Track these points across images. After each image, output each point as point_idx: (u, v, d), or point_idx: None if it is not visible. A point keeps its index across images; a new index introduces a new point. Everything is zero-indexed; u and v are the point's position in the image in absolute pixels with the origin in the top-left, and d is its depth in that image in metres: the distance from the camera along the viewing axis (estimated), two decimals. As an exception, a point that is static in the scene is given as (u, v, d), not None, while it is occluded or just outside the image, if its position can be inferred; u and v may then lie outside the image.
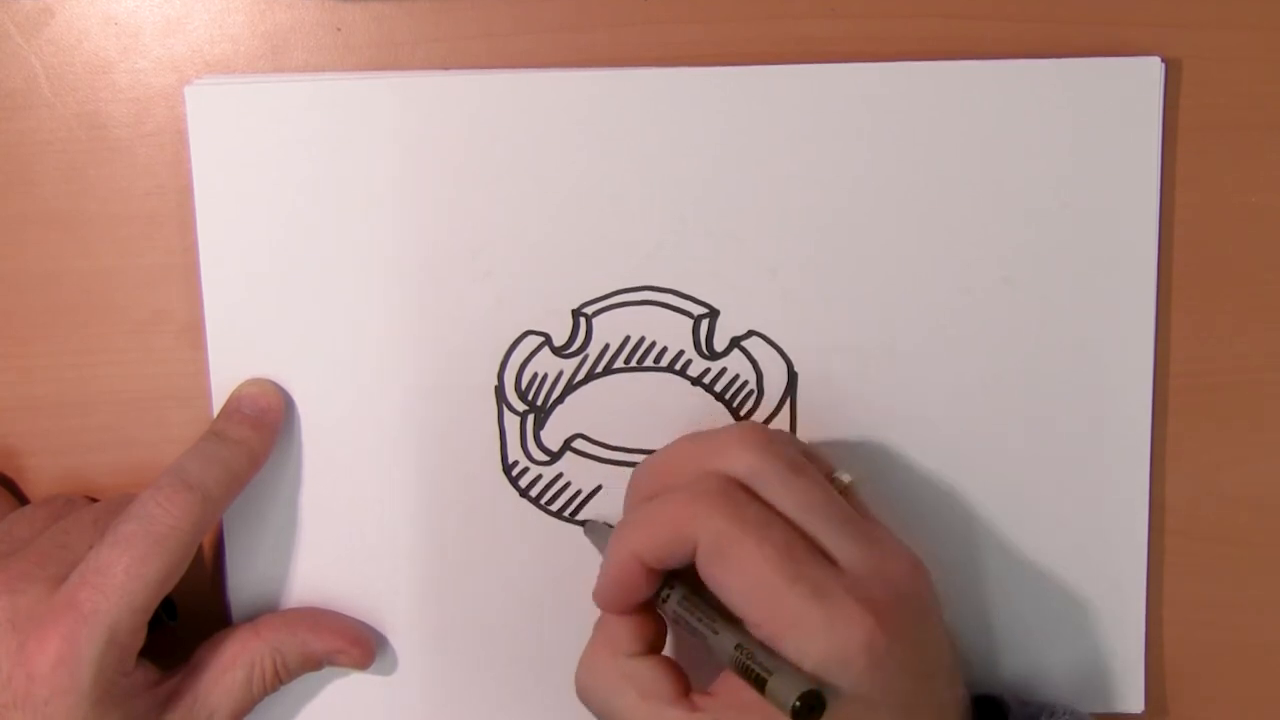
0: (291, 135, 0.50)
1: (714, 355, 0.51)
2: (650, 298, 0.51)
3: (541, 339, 0.51)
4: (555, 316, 0.51)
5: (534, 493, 0.52)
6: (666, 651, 0.48)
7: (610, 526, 0.50)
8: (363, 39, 0.51)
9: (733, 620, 0.45)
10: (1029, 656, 0.53)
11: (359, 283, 0.51)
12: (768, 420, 0.52)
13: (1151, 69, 0.50)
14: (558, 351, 0.51)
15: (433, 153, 0.50)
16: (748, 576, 0.43)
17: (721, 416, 0.52)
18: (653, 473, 0.48)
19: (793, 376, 0.52)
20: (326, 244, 0.50)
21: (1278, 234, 0.53)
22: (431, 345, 0.51)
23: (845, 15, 0.51)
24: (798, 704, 0.41)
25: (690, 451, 0.47)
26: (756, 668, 0.43)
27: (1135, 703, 0.53)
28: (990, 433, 0.52)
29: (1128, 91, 0.50)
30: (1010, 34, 0.51)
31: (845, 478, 0.48)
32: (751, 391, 0.52)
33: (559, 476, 0.52)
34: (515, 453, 0.52)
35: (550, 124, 0.50)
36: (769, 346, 0.51)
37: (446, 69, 0.51)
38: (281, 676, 0.50)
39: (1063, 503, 0.52)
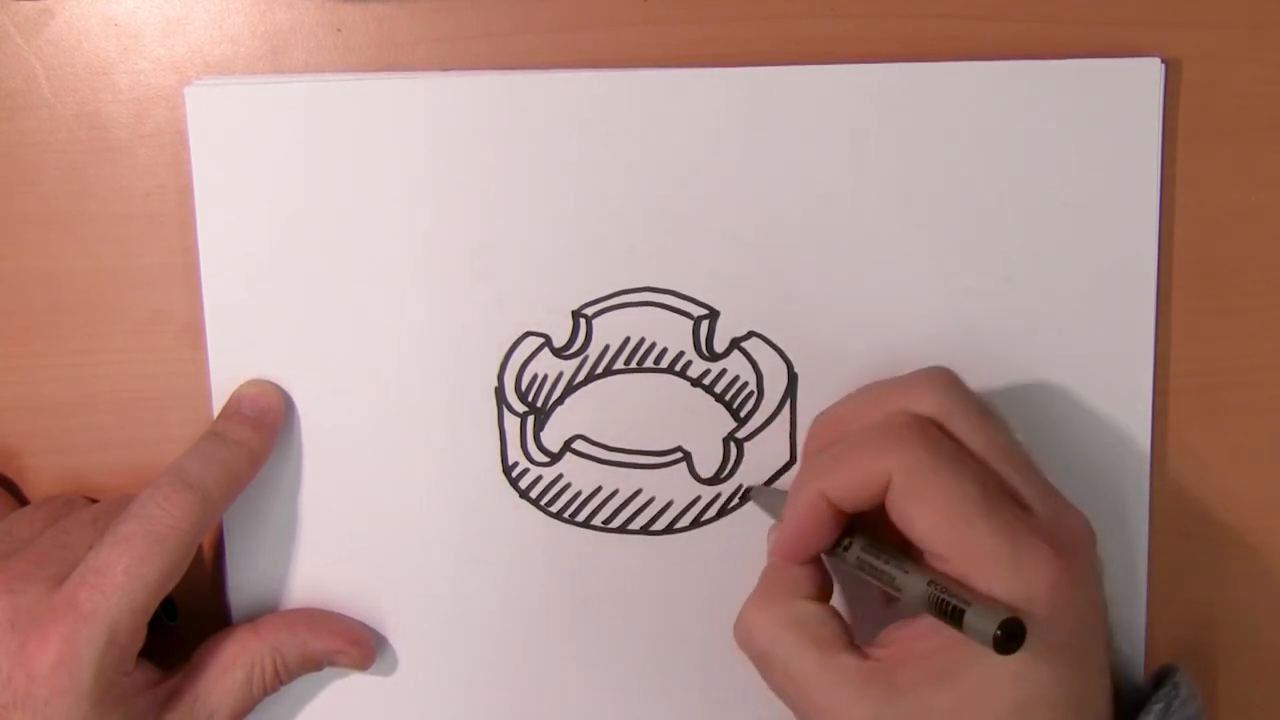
0: (291, 136, 0.50)
1: (714, 356, 0.51)
2: (650, 298, 0.51)
3: (541, 340, 0.51)
4: (555, 317, 0.51)
5: (534, 494, 0.52)
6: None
7: (777, 491, 0.50)
8: (363, 39, 0.51)
9: (915, 560, 0.45)
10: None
11: (359, 283, 0.51)
12: (768, 422, 0.52)
13: (1151, 69, 0.50)
14: (558, 352, 0.51)
15: (433, 153, 0.50)
16: (942, 509, 0.43)
17: (721, 418, 0.52)
18: (834, 420, 0.48)
19: (793, 377, 0.52)
20: (326, 245, 0.50)
21: (1278, 234, 0.53)
22: (431, 346, 0.51)
23: (845, 15, 0.51)
24: (999, 633, 0.41)
25: (876, 394, 0.47)
26: (954, 600, 0.42)
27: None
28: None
29: (1128, 92, 0.50)
30: (1010, 34, 0.51)
31: (1019, 435, 0.48)
32: (752, 393, 0.52)
33: (559, 477, 0.52)
34: (515, 454, 0.52)
35: (550, 124, 0.50)
36: (769, 347, 0.51)
37: (447, 69, 0.51)
38: (281, 677, 0.50)
39: (1063, 503, 0.53)
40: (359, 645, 0.51)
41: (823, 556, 0.48)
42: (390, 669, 0.53)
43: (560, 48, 0.51)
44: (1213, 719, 0.55)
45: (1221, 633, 0.55)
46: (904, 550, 0.45)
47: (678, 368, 0.52)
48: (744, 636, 0.47)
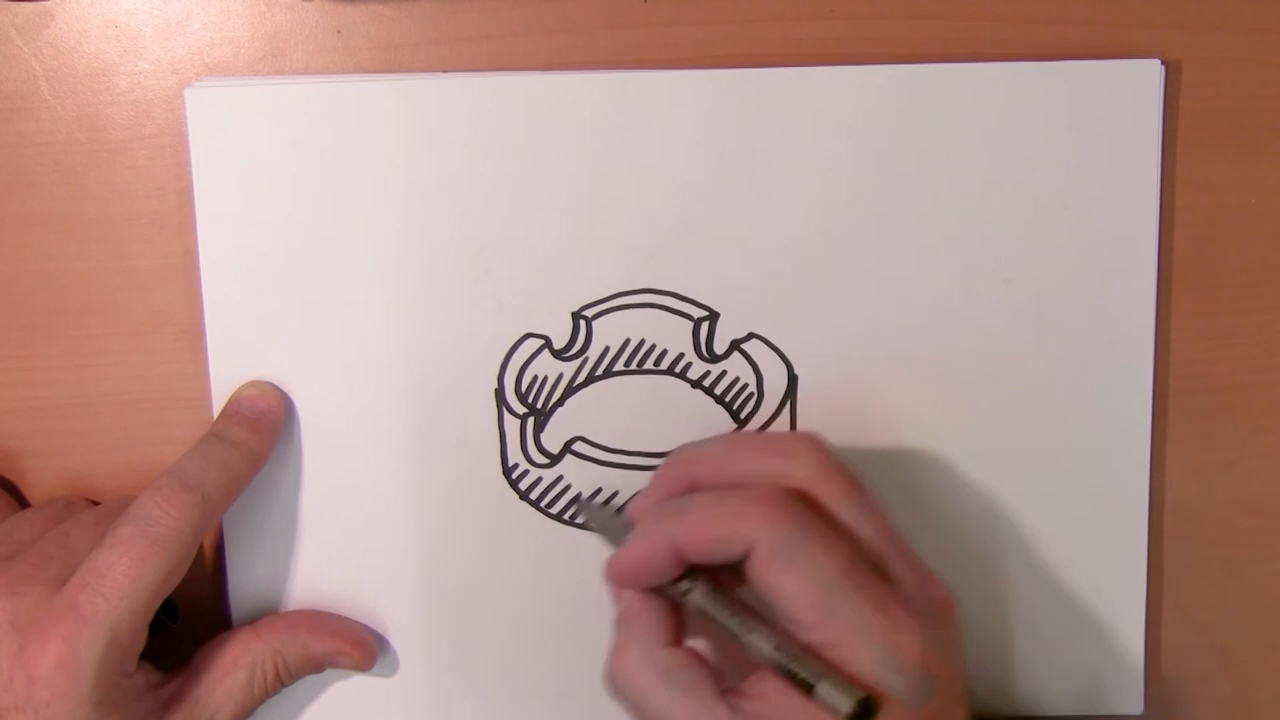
0: (291, 137, 0.50)
1: (714, 358, 0.51)
2: (650, 300, 0.51)
3: (541, 341, 0.51)
4: (555, 319, 0.51)
5: (534, 495, 0.52)
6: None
7: (612, 509, 0.50)
8: (363, 41, 0.51)
9: (760, 617, 0.44)
10: (1029, 657, 0.53)
11: (359, 285, 0.51)
12: (768, 423, 0.52)
13: (1151, 71, 0.50)
14: (558, 354, 0.51)
15: (433, 155, 0.50)
16: (810, 579, 0.43)
17: (722, 419, 0.52)
18: (697, 461, 0.47)
19: (793, 379, 0.52)
20: (326, 246, 0.50)
21: (1278, 234, 0.53)
22: (431, 348, 0.51)
23: (845, 18, 0.51)
24: (856, 710, 0.41)
25: (746, 448, 0.47)
26: (803, 672, 0.43)
27: (1135, 704, 0.54)
28: (990, 434, 0.52)
29: (1128, 93, 0.50)
30: (1010, 36, 0.51)
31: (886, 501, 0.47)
32: (751, 394, 0.52)
33: (559, 479, 0.52)
34: (515, 455, 0.52)
35: (550, 126, 0.50)
36: (769, 349, 0.51)
37: (447, 71, 0.51)
38: (283, 678, 0.50)
39: (1063, 503, 0.52)
40: (360, 646, 0.51)
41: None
42: (391, 670, 0.53)
43: (560, 49, 0.51)
44: (1213, 720, 0.55)
45: (1222, 633, 0.55)
46: (741, 599, 0.45)
47: (678, 369, 0.52)
48: (615, 688, 0.46)
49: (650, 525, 0.45)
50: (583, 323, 0.51)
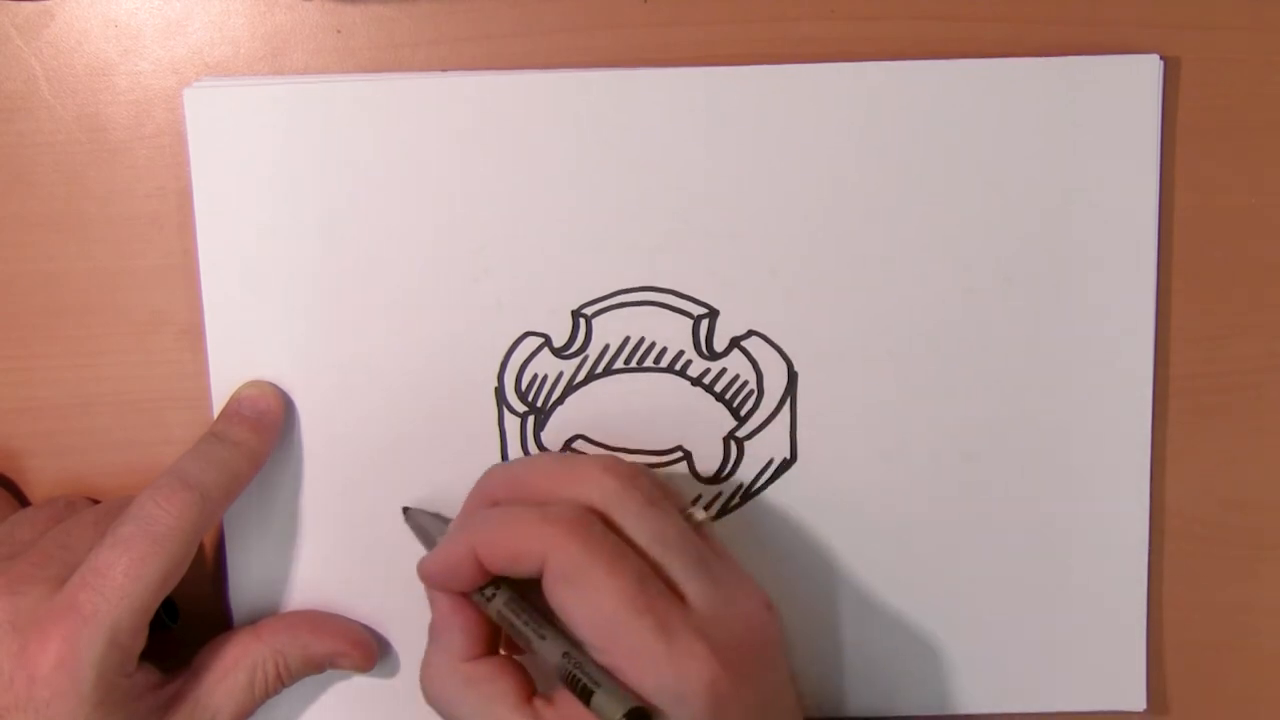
0: (291, 137, 0.50)
1: (714, 355, 0.51)
2: (650, 298, 0.51)
3: (541, 340, 0.51)
4: (555, 317, 0.51)
5: (534, 494, 0.52)
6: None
7: (436, 517, 0.50)
8: (363, 41, 0.51)
9: (559, 626, 0.45)
10: (1031, 655, 0.53)
11: (358, 285, 0.51)
12: (768, 421, 0.52)
13: (1150, 67, 0.50)
14: (558, 352, 0.51)
15: (433, 154, 0.50)
16: (595, 604, 0.43)
17: (722, 417, 0.52)
18: (506, 481, 0.48)
19: (793, 376, 0.52)
20: (326, 246, 0.50)
21: (1278, 234, 0.53)
22: (431, 347, 0.51)
23: (844, 17, 0.51)
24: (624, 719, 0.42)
25: (550, 470, 0.47)
26: (584, 678, 0.43)
27: (1137, 701, 0.54)
28: (990, 433, 0.52)
29: (1126, 89, 0.50)
30: (1009, 36, 0.51)
31: (699, 514, 0.47)
32: (752, 391, 0.52)
33: (559, 477, 0.52)
34: (516, 454, 0.52)
35: (550, 125, 0.50)
36: (769, 346, 0.51)
37: (446, 71, 0.51)
38: (283, 679, 0.50)
39: (1063, 503, 0.52)
40: (361, 647, 0.51)
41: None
42: (392, 671, 0.53)
43: (560, 49, 0.51)
44: (1213, 719, 0.55)
45: (1222, 633, 0.55)
46: (544, 612, 0.45)
47: (678, 367, 0.52)
48: (431, 697, 0.47)
49: (456, 532, 0.47)
50: (582, 321, 0.51)
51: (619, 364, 0.51)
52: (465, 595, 0.47)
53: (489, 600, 0.46)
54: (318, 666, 0.51)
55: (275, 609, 0.52)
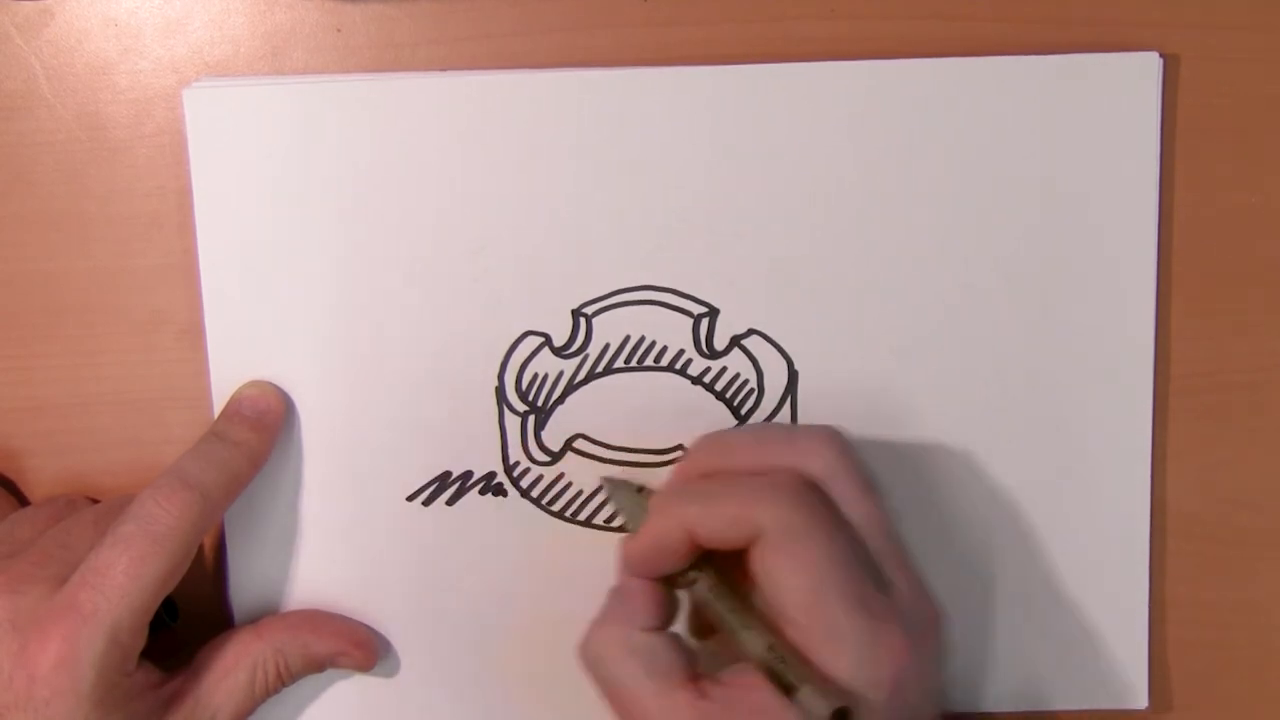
0: (291, 137, 0.50)
1: (714, 354, 0.51)
2: (650, 297, 0.51)
3: (541, 339, 0.51)
4: (555, 316, 0.51)
5: (535, 493, 0.52)
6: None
7: (636, 486, 0.50)
8: (363, 40, 0.51)
9: (759, 615, 0.45)
10: (1033, 654, 0.53)
11: (359, 284, 0.51)
12: (768, 419, 0.52)
13: (1149, 64, 0.50)
14: (558, 352, 0.51)
15: (432, 154, 0.50)
16: (807, 575, 0.43)
17: (722, 416, 0.52)
18: (718, 448, 0.48)
19: (793, 375, 0.52)
20: (326, 245, 0.50)
21: (1278, 234, 0.53)
22: (432, 346, 0.51)
23: (844, 16, 0.51)
24: (830, 718, 0.41)
25: (767, 438, 0.47)
26: (789, 674, 0.43)
27: (1139, 699, 0.53)
28: (990, 432, 0.52)
29: (1126, 87, 0.50)
30: (1009, 35, 0.51)
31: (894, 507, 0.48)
32: (752, 390, 0.52)
33: (560, 477, 0.52)
34: (516, 453, 0.52)
35: (550, 124, 0.50)
36: (769, 345, 0.51)
37: (446, 70, 0.51)
38: (284, 678, 0.50)
39: (1063, 502, 0.52)
40: (361, 646, 0.51)
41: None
42: (393, 670, 0.53)
43: (560, 48, 0.51)
44: (1217, 715, 0.55)
45: (1222, 633, 0.55)
46: (746, 596, 0.45)
47: (678, 366, 0.52)
48: (587, 661, 0.46)
49: (666, 506, 0.46)
50: (583, 320, 0.51)
51: (619, 363, 0.51)
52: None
53: (691, 583, 0.46)
54: (318, 666, 0.51)
55: (275, 608, 0.52)
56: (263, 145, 0.50)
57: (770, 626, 0.44)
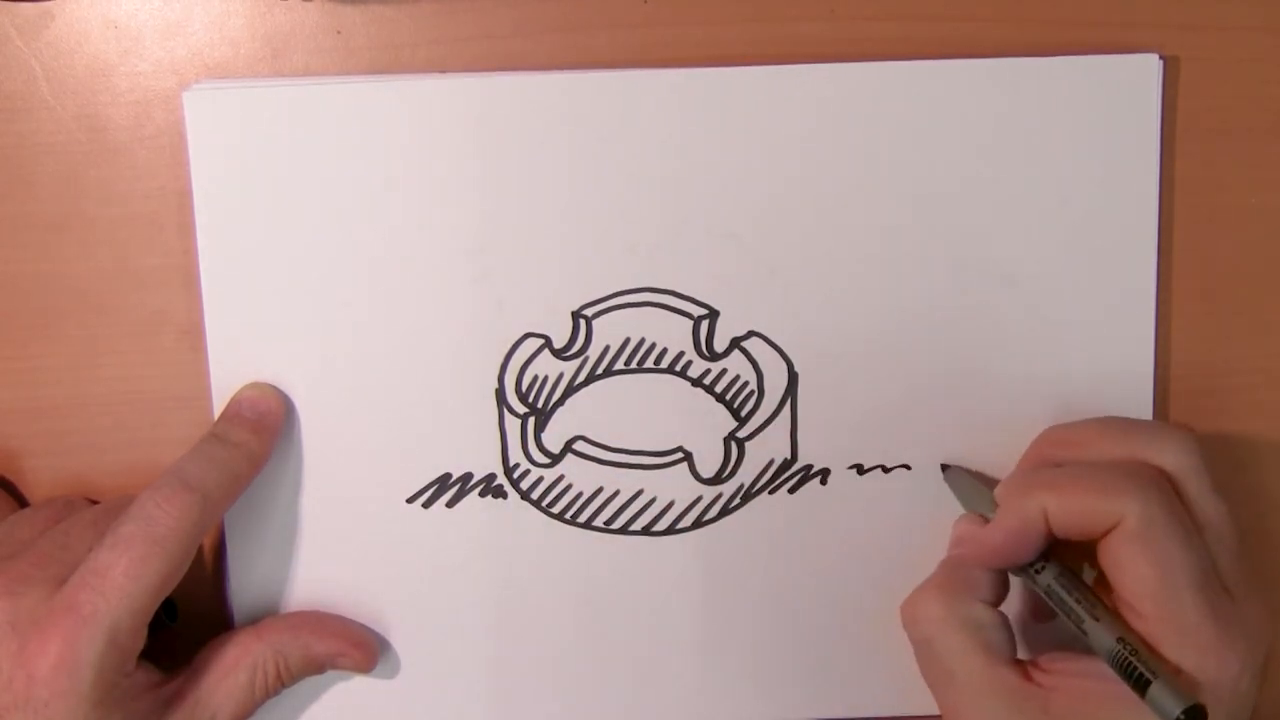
0: (291, 138, 0.50)
1: (714, 356, 0.51)
2: (650, 299, 0.51)
3: (541, 341, 0.51)
4: (555, 318, 0.51)
5: (535, 495, 0.52)
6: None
7: (977, 476, 0.50)
8: (363, 42, 0.51)
9: (1103, 606, 0.45)
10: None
11: (359, 285, 0.51)
12: (769, 421, 0.52)
13: (1149, 66, 0.50)
14: (558, 353, 0.51)
15: (432, 155, 0.50)
16: (1161, 570, 0.43)
17: (722, 418, 0.52)
18: (1067, 439, 0.48)
19: (793, 377, 0.52)
20: (326, 247, 0.50)
21: (1278, 234, 0.53)
22: (432, 348, 0.51)
23: (845, 17, 0.51)
24: (1181, 716, 0.41)
25: (1119, 430, 0.47)
26: (1142, 668, 0.43)
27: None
28: (991, 433, 0.52)
29: (1126, 88, 0.50)
30: (1009, 36, 0.51)
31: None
32: (752, 392, 0.52)
33: (560, 478, 0.52)
34: (516, 455, 0.52)
35: (549, 126, 0.50)
36: (769, 347, 0.51)
37: (446, 71, 0.51)
38: (284, 679, 0.50)
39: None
40: (361, 647, 0.51)
41: None
42: (393, 671, 0.53)
43: (560, 49, 0.51)
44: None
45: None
46: (1092, 589, 0.46)
47: (678, 368, 0.52)
48: (912, 619, 0.47)
49: (1020, 495, 0.46)
50: (583, 322, 0.51)
51: (619, 365, 0.51)
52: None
53: (1037, 573, 0.46)
54: (318, 667, 0.51)
55: (275, 609, 0.52)
56: (263, 147, 0.50)
57: (1118, 617, 0.44)
